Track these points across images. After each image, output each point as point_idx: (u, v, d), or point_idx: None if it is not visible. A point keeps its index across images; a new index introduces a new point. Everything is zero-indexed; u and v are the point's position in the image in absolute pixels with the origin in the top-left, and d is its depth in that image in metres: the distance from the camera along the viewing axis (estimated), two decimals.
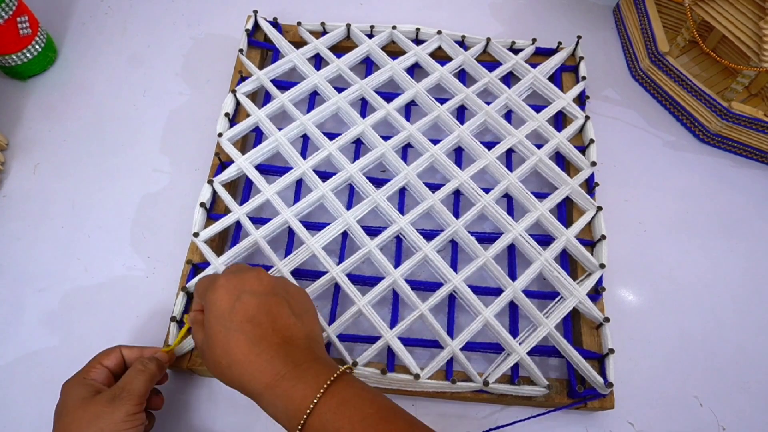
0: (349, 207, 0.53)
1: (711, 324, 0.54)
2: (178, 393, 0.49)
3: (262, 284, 0.40)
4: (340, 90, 0.59)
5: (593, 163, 0.56)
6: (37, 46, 0.61)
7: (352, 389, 0.37)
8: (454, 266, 0.52)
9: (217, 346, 0.38)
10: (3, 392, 0.49)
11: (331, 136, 0.56)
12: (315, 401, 0.35)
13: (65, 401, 0.40)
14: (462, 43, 0.63)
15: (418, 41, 0.63)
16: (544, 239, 0.53)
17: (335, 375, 0.36)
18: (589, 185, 0.55)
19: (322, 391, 0.35)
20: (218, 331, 0.38)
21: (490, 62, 0.62)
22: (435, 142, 0.56)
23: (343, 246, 0.53)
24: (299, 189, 0.55)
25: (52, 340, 0.51)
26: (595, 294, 0.50)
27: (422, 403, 0.50)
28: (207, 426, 0.48)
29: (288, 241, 0.52)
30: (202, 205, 0.52)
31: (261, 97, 0.61)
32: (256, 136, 0.58)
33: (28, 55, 0.60)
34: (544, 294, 0.51)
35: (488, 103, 0.58)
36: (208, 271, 0.50)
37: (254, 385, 0.37)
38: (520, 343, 0.48)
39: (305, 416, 0.35)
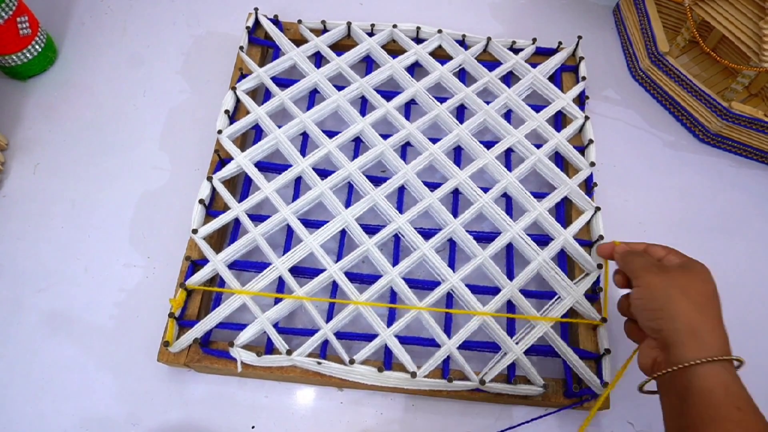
0: (347, 205, 0.53)
1: None
2: (175, 390, 0.49)
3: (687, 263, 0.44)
4: (340, 88, 0.59)
5: (592, 164, 0.56)
6: (37, 46, 0.61)
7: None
8: (452, 265, 0.52)
9: (661, 288, 0.42)
10: (3, 392, 0.49)
11: (331, 134, 0.56)
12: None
13: None
14: (462, 43, 0.63)
15: (418, 40, 0.63)
16: (543, 239, 0.53)
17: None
18: (588, 185, 0.55)
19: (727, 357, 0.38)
20: (662, 284, 0.42)
21: (490, 62, 0.62)
22: (434, 141, 0.56)
23: (341, 244, 0.53)
24: (298, 187, 0.55)
25: (52, 340, 0.51)
26: (593, 294, 0.50)
27: (422, 403, 0.50)
28: (204, 424, 0.48)
29: (286, 239, 0.52)
30: (201, 201, 0.52)
31: (261, 95, 0.61)
32: (256, 133, 0.58)
33: (28, 55, 0.60)
34: (541, 294, 0.51)
35: (488, 103, 0.58)
36: (206, 269, 0.50)
37: (703, 332, 0.40)
38: (516, 343, 0.48)
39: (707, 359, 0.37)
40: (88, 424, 0.48)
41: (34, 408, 0.49)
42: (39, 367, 0.50)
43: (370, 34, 0.62)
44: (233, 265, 0.51)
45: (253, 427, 0.49)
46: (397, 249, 0.52)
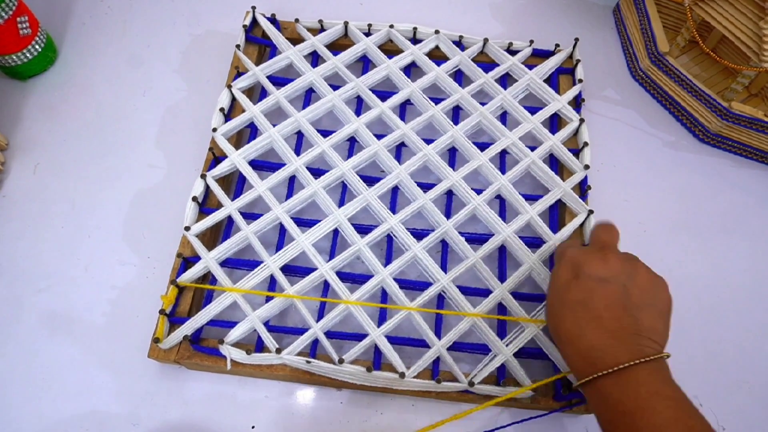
0: (341, 205, 0.53)
1: (711, 324, 0.54)
2: (175, 390, 0.49)
3: (604, 268, 0.40)
4: (336, 88, 0.59)
5: (586, 167, 0.55)
6: (37, 46, 0.61)
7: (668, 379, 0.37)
8: (444, 266, 0.52)
9: (549, 315, 0.42)
10: (3, 392, 0.49)
11: (326, 134, 0.56)
12: (629, 364, 0.36)
13: None
14: (459, 44, 0.63)
15: (415, 40, 0.63)
16: (536, 241, 0.53)
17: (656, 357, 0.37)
18: (582, 188, 0.55)
19: (639, 361, 0.36)
20: (553, 302, 0.42)
21: (487, 63, 0.62)
22: (429, 141, 0.56)
23: (333, 243, 0.53)
24: (292, 186, 0.55)
25: (52, 340, 0.51)
26: None
27: (422, 403, 0.50)
28: (204, 423, 0.48)
29: (279, 237, 0.53)
30: (194, 199, 0.52)
31: (257, 94, 0.61)
32: (251, 132, 0.58)
33: (28, 55, 0.60)
34: (533, 296, 0.51)
35: (483, 104, 0.58)
36: (198, 266, 0.50)
37: (572, 363, 0.39)
38: (506, 345, 0.47)
39: (615, 368, 0.36)
40: (88, 424, 0.48)
41: (34, 408, 0.49)
42: (39, 367, 0.50)
43: (367, 34, 0.62)
44: (225, 263, 0.51)
45: (253, 427, 0.49)
46: (389, 249, 0.52)
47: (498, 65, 0.61)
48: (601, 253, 0.42)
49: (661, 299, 0.41)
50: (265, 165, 0.56)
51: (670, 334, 0.53)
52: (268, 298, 0.49)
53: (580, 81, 0.60)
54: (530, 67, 0.61)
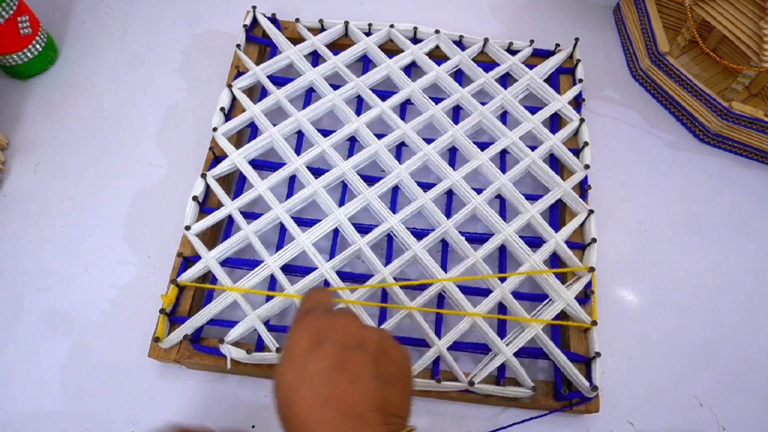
0: (341, 204, 0.53)
1: (711, 324, 0.54)
2: (175, 390, 0.49)
3: (350, 335, 0.34)
4: (336, 87, 0.59)
5: (587, 166, 0.55)
6: (37, 46, 0.61)
7: None
8: (444, 266, 0.52)
9: (281, 389, 0.33)
10: (3, 392, 0.49)
11: (326, 133, 0.56)
12: None
13: None
14: (460, 43, 0.63)
15: (416, 40, 0.63)
16: (536, 241, 0.53)
17: None
18: (582, 188, 0.55)
19: None
20: (286, 373, 0.33)
21: (487, 63, 0.62)
22: (429, 141, 0.56)
23: (334, 243, 0.53)
24: (292, 185, 0.55)
25: (52, 340, 0.51)
26: (584, 297, 0.50)
27: (422, 403, 0.50)
28: (204, 423, 0.48)
29: (279, 237, 0.53)
30: (195, 198, 0.52)
31: (258, 93, 0.61)
32: (251, 131, 0.58)
33: (28, 54, 0.60)
34: (533, 296, 0.51)
35: (484, 104, 0.58)
36: (199, 265, 0.50)
37: None
38: (507, 345, 0.47)
39: None
40: (88, 424, 0.48)
41: (34, 408, 0.49)
42: (39, 367, 0.50)
43: (368, 34, 0.62)
44: (225, 263, 0.51)
45: (253, 427, 0.49)
46: (389, 249, 0.52)
47: (498, 65, 0.61)
48: (345, 318, 0.35)
49: (407, 370, 0.36)
50: (265, 164, 0.56)
51: (670, 334, 0.53)
52: (269, 298, 0.49)
53: (581, 81, 0.60)
54: (530, 67, 0.61)
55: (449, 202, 0.55)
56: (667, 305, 0.54)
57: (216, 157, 0.55)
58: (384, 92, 0.59)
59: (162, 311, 0.48)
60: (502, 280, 0.50)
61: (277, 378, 0.33)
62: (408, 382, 0.35)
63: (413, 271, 0.53)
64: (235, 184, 0.56)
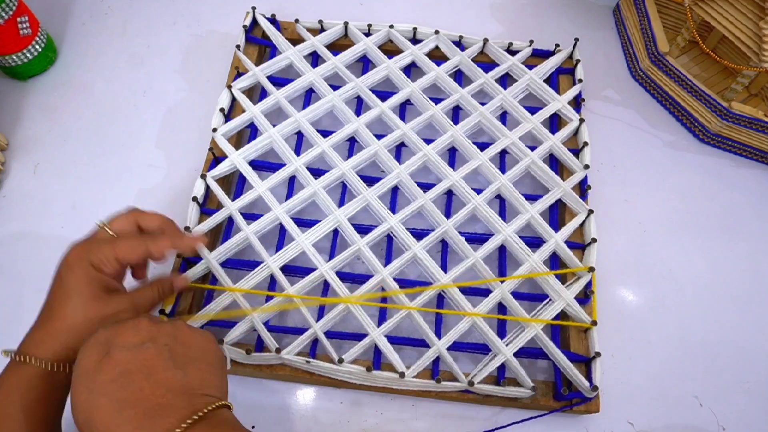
0: (341, 205, 0.53)
1: (711, 324, 0.54)
2: None
3: (138, 334, 0.34)
4: (336, 88, 0.59)
5: (586, 166, 0.55)
6: (37, 46, 0.61)
7: None
8: (444, 266, 0.52)
9: (78, 411, 0.32)
10: None
11: (326, 134, 0.56)
12: None
13: (76, 284, 0.39)
14: (459, 44, 0.63)
15: (415, 41, 0.63)
16: (536, 241, 0.53)
17: None
18: (582, 188, 0.55)
19: (193, 420, 0.31)
20: (80, 392, 0.32)
21: (487, 63, 0.62)
22: (429, 141, 0.56)
23: (333, 243, 0.53)
24: (292, 186, 0.55)
25: None
26: (584, 297, 0.50)
27: (422, 403, 0.50)
28: None
29: (279, 238, 0.53)
30: (195, 199, 0.52)
31: (257, 94, 0.61)
32: (251, 132, 0.58)
33: (28, 55, 0.60)
34: (533, 296, 0.51)
35: (483, 104, 0.58)
36: (199, 266, 0.50)
37: None
38: (507, 345, 0.47)
39: None
40: None
41: None
42: None
43: (367, 34, 0.62)
44: (225, 263, 0.51)
45: (253, 427, 0.49)
46: (389, 249, 0.52)
47: (498, 65, 0.61)
48: (132, 321, 0.35)
49: (210, 351, 0.37)
50: (265, 165, 0.56)
51: (670, 334, 0.53)
52: (268, 298, 0.49)
53: (580, 81, 0.60)
54: (530, 67, 0.61)
55: (449, 202, 0.55)
56: (667, 305, 0.54)
57: (216, 157, 0.55)
58: (384, 93, 0.59)
59: (162, 312, 0.48)
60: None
61: (72, 401, 0.33)
62: (212, 361, 0.36)
63: (413, 271, 0.53)
64: (235, 185, 0.56)
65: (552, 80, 0.62)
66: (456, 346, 0.48)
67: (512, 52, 0.62)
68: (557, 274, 0.51)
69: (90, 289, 0.39)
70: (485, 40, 0.62)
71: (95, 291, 0.39)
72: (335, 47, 0.62)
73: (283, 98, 0.58)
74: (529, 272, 0.51)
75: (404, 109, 0.60)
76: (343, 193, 0.55)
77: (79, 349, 0.35)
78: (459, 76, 0.62)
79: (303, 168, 0.54)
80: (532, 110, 0.58)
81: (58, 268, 0.40)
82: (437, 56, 0.62)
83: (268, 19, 0.63)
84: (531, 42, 0.62)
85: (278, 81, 0.60)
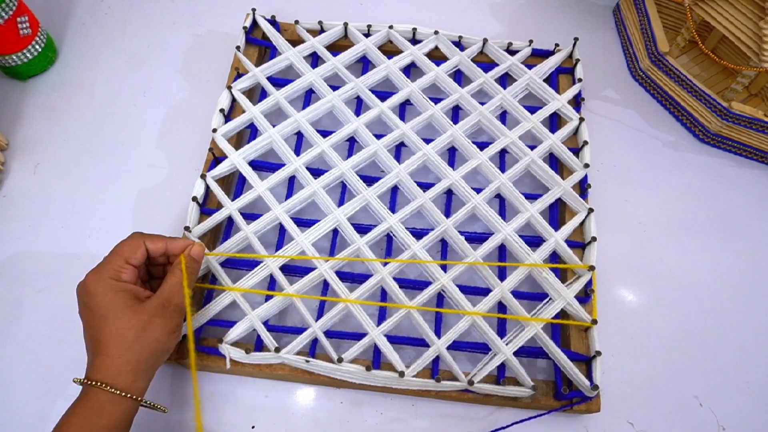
0: (340, 204, 0.53)
1: (711, 324, 0.54)
2: (175, 390, 0.49)
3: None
4: (336, 88, 0.59)
5: (586, 165, 0.55)
6: (37, 46, 0.61)
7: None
8: (444, 265, 0.52)
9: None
10: (3, 392, 0.49)
11: (326, 134, 0.56)
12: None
13: (107, 302, 0.40)
14: (459, 44, 0.63)
15: (415, 41, 0.63)
16: (536, 240, 0.53)
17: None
18: (582, 187, 0.55)
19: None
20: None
21: (487, 63, 0.62)
22: (429, 141, 0.56)
23: (333, 243, 0.53)
24: (292, 186, 0.55)
25: (52, 340, 0.51)
26: (584, 296, 0.50)
27: (422, 403, 0.50)
28: (204, 423, 0.48)
29: (279, 237, 0.53)
30: (195, 199, 0.52)
31: (257, 95, 0.61)
32: (251, 132, 0.58)
33: (28, 55, 0.60)
34: (533, 295, 0.51)
35: (483, 104, 0.58)
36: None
37: None
38: (507, 344, 0.47)
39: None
40: None
41: (34, 408, 0.49)
42: (39, 368, 0.50)
43: (367, 35, 0.62)
44: (225, 263, 0.51)
45: (253, 427, 0.49)
46: (389, 249, 0.52)
47: (497, 65, 0.61)
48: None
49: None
50: (264, 165, 0.56)
51: (670, 334, 0.53)
52: (268, 298, 0.49)
53: (580, 80, 0.60)
54: (530, 67, 0.61)
55: (448, 201, 0.55)
56: (667, 305, 0.54)
57: (216, 158, 0.55)
58: (383, 93, 0.59)
59: None
60: (502, 278, 0.50)
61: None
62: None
63: (413, 271, 0.53)
64: (235, 184, 0.56)
65: (552, 80, 0.62)
66: (456, 346, 0.48)
67: (512, 52, 0.62)
68: (555, 269, 0.51)
69: (120, 301, 0.40)
70: (485, 40, 0.62)
71: (126, 301, 0.40)
72: (335, 48, 0.62)
73: (283, 99, 0.58)
74: (529, 273, 0.50)
75: (404, 109, 0.60)
76: (342, 193, 0.55)
77: (145, 361, 0.40)
78: (458, 76, 0.62)
79: (303, 168, 0.54)
80: (532, 110, 0.58)
81: (81, 300, 0.41)
82: (437, 56, 0.62)
83: (268, 20, 0.63)
84: (530, 42, 0.62)
85: (278, 82, 0.60)
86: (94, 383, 0.38)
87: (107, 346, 0.39)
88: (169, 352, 0.43)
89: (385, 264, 0.50)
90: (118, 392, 0.38)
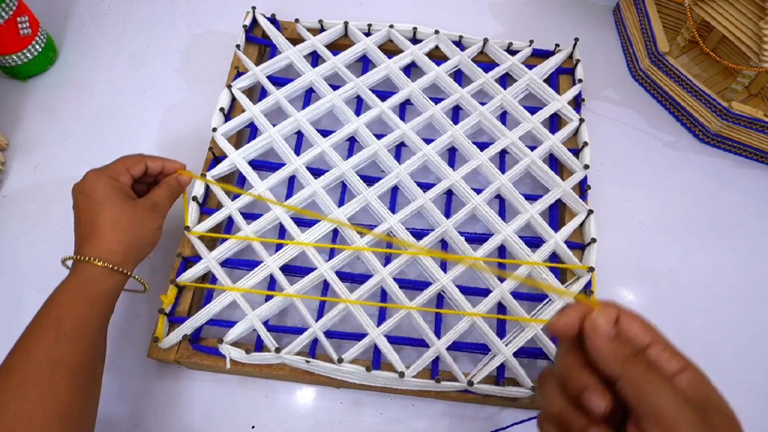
0: (340, 204, 0.53)
1: (710, 324, 0.54)
2: (175, 390, 0.49)
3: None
4: (336, 87, 0.59)
5: (586, 166, 0.55)
6: (37, 46, 0.61)
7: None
8: (443, 266, 0.52)
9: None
10: None
11: (326, 134, 0.56)
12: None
13: (105, 193, 0.44)
14: (459, 43, 0.62)
15: (415, 40, 0.63)
16: (535, 241, 0.53)
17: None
18: (582, 188, 0.55)
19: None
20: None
21: (487, 63, 0.62)
22: (429, 141, 0.56)
23: (333, 243, 0.53)
24: (292, 185, 0.55)
25: None
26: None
27: (422, 403, 0.50)
28: (204, 423, 0.48)
29: (279, 237, 0.53)
30: (195, 199, 0.52)
31: (257, 94, 0.61)
32: (251, 131, 0.58)
33: (28, 55, 0.60)
34: (532, 296, 0.51)
35: (483, 104, 0.58)
36: (199, 266, 0.50)
37: None
38: (506, 345, 0.47)
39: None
40: None
41: None
42: None
43: (367, 34, 0.62)
44: (225, 263, 0.51)
45: (253, 427, 0.49)
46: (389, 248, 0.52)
47: (498, 65, 0.61)
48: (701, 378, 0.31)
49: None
50: (265, 165, 0.56)
51: (670, 334, 0.53)
52: (268, 298, 0.49)
53: (580, 81, 0.60)
54: (530, 67, 0.61)
55: (449, 202, 0.55)
56: (667, 305, 0.54)
57: (215, 157, 0.55)
58: (383, 92, 0.59)
59: (161, 311, 0.48)
60: (501, 278, 0.50)
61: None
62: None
63: (413, 271, 0.53)
64: (235, 184, 0.56)
65: (552, 80, 0.62)
66: (455, 346, 0.48)
67: (512, 52, 0.62)
68: (556, 272, 0.51)
69: (117, 194, 0.45)
70: (485, 40, 0.62)
71: (121, 195, 0.45)
72: (335, 47, 0.62)
73: (283, 98, 0.58)
74: (529, 273, 0.50)
75: (404, 109, 0.60)
76: (342, 193, 0.55)
77: (134, 246, 0.44)
78: (459, 76, 0.62)
79: (303, 168, 0.54)
80: (532, 110, 0.58)
81: (80, 191, 0.45)
82: (437, 56, 0.62)
83: (268, 18, 0.63)
84: (531, 42, 0.62)
85: (278, 81, 0.60)
86: (88, 258, 0.42)
87: (103, 230, 0.43)
88: (153, 246, 0.47)
89: (386, 264, 0.50)
90: (110, 266, 0.42)
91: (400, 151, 0.57)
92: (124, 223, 0.44)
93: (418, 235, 0.52)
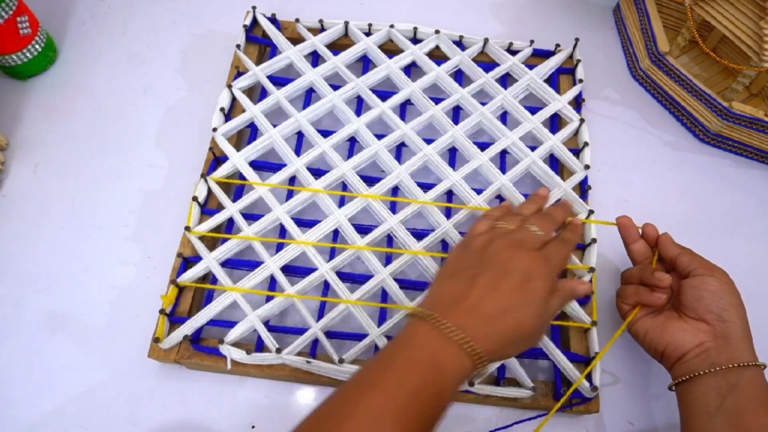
0: (341, 205, 0.53)
1: None
2: (175, 390, 0.49)
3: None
4: (336, 87, 0.59)
5: (587, 167, 0.55)
6: (37, 46, 0.61)
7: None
8: None
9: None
10: (3, 392, 0.49)
11: (327, 134, 0.56)
12: None
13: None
14: (460, 43, 0.62)
15: (415, 40, 0.63)
16: None
17: None
18: (582, 188, 0.55)
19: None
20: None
21: (487, 63, 0.62)
22: (429, 141, 0.56)
23: (333, 243, 0.53)
24: (292, 186, 0.55)
25: (52, 340, 0.51)
26: (585, 298, 0.50)
27: None
28: (204, 423, 0.48)
29: (279, 238, 0.53)
30: (195, 199, 0.52)
31: (258, 94, 0.61)
32: (251, 131, 0.58)
33: (28, 54, 0.60)
34: None
35: (484, 104, 0.58)
36: (199, 266, 0.50)
37: None
38: None
39: None
40: (88, 424, 0.48)
41: (34, 408, 0.49)
42: (39, 367, 0.50)
43: (368, 34, 0.62)
44: (226, 263, 0.51)
45: (253, 427, 0.49)
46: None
47: (498, 65, 0.61)
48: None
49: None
50: (265, 166, 0.56)
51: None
52: (269, 298, 0.49)
53: (581, 81, 0.60)
54: (530, 67, 0.61)
55: (449, 202, 0.55)
56: None
57: (216, 157, 0.55)
58: (384, 92, 0.59)
59: (162, 312, 0.48)
60: None
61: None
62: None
63: (413, 271, 0.53)
64: (236, 185, 0.56)
65: (552, 80, 0.62)
66: None
67: (513, 52, 0.62)
68: None
69: None
70: (486, 40, 0.62)
71: None
72: (335, 47, 0.62)
73: (284, 98, 0.58)
74: None
75: (404, 109, 0.60)
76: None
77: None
78: (459, 76, 0.62)
79: (303, 168, 0.54)
80: (533, 110, 0.58)
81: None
82: (438, 56, 0.62)
83: (268, 18, 0.63)
84: (531, 42, 0.62)
85: (278, 81, 0.60)
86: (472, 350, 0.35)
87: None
88: None
89: (386, 265, 0.50)
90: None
91: (400, 151, 0.57)
92: None
93: (419, 235, 0.52)
